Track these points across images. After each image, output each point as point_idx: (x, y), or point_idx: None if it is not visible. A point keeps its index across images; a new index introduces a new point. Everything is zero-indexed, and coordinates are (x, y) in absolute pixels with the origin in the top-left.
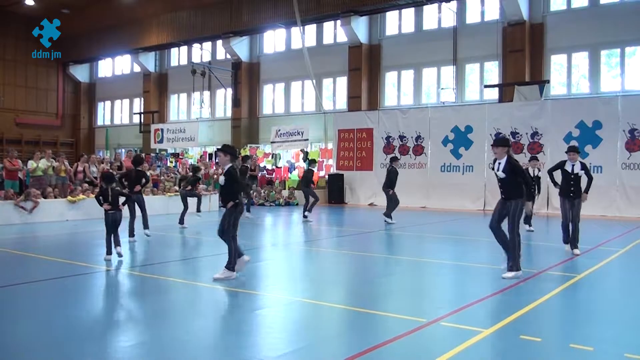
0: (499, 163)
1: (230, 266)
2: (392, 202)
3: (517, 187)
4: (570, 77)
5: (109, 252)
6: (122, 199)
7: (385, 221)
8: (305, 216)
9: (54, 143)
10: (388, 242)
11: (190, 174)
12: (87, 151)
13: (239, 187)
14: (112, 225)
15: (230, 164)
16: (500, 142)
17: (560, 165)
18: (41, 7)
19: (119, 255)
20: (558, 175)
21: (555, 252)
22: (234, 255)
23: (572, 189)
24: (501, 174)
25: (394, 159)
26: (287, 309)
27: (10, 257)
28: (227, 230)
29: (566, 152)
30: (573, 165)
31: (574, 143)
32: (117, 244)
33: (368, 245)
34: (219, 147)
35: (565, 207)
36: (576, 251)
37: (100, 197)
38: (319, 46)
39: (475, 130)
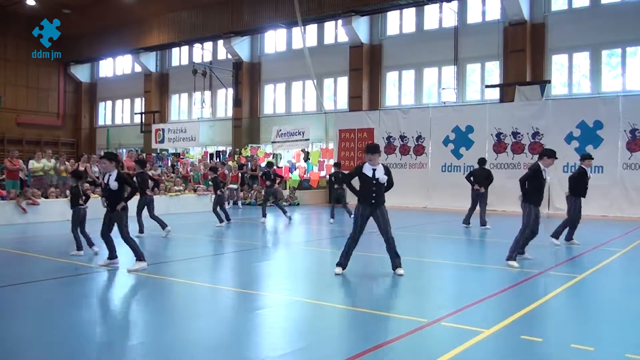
0: (374, 169)
1: (140, 257)
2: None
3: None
4: (571, 77)
5: (80, 247)
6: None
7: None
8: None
9: (55, 143)
10: None
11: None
12: (88, 151)
13: (133, 189)
14: (83, 220)
15: (116, 170)
16: (377, 149)
17: (585, 173)
18: (42, 7)
19: (95, 253)
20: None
21: (556, 252)
22: (136, 247)
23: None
24: (383, 177)
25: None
26: (288, 308)
27: (10, 257)
28: (125, 230)
29: (582, 160)
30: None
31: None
32: (91, 243)
33: (369, 245)
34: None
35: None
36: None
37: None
38: (320, 46)
39: (476, 130)
